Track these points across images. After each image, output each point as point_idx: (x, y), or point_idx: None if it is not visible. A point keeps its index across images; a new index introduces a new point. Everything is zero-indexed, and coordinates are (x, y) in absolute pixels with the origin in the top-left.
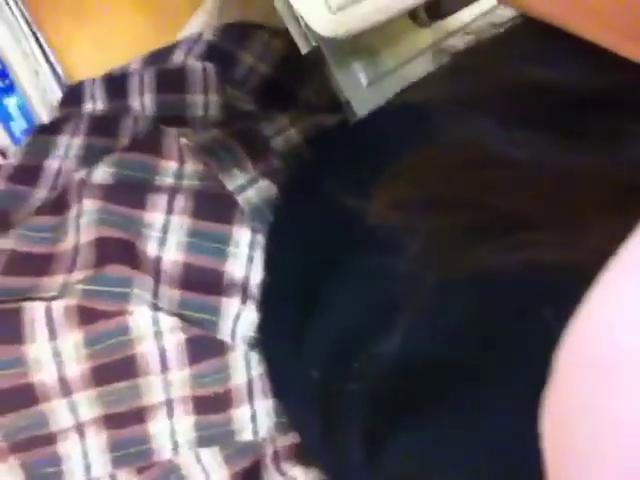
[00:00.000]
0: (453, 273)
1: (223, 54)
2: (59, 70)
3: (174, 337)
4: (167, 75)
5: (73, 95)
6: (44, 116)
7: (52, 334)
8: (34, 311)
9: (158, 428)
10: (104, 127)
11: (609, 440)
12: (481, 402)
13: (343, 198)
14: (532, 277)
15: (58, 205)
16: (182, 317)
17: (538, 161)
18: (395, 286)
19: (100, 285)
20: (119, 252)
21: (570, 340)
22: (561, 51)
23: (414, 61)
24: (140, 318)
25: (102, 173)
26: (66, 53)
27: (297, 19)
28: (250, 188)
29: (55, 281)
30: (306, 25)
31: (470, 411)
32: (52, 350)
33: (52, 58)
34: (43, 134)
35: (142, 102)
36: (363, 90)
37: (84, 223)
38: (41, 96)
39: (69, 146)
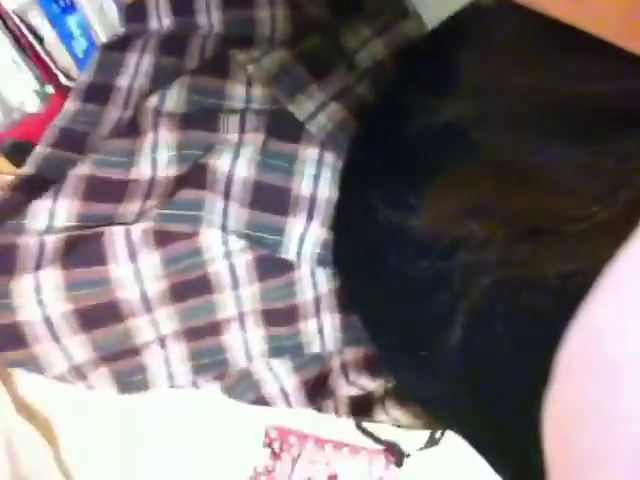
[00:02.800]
0: (499, 280)
1: None
2: None
3: (243, 257)
4: None
5: (137, 12)
6: (103, 35)
7: (132, 256)
8: (114, 235)
9: (232, 339)
10: (173, 46)
11: (613, 439)
12: None
13: (385, 210)
14: (569, 287)
15: (132, 128)
16: (249, 237)
17: (568, 172)
18: (444, 292)
19: (173, 209)
20: (192, 176)
21: (573, 340)
22: (592, 60)
23: None
24: (211, 240)
25: (175, 100)
26: None
27: None
28: (320, 113)
29: (133, 207)
30: None
31: None
32: (133, 270)
33: None
34: (111, 51)
35: (209, 19)
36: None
37: (161, 159)
38: (99, 15)
39: (138, 64)
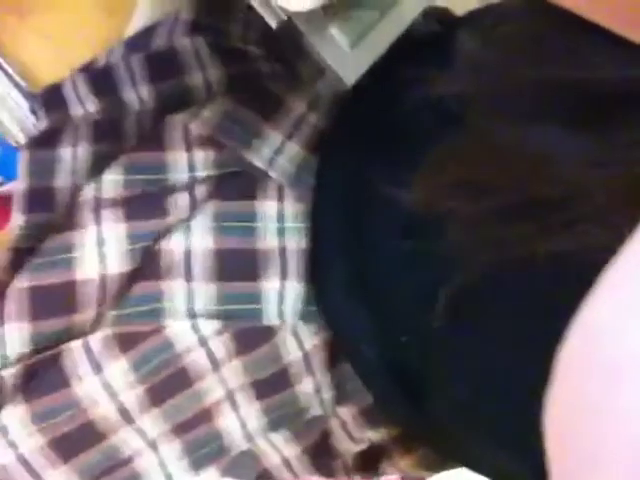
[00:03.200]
0: (502, 255)
1: (209, 28)
2: (17, 79)
3: (219, 338)
4: (157, 60)
5: (55, 100)
6: (19, 134)
7: (96, 368)
8: (73, 351)
9: (227, 422)
10: (107, 131)
11: (613, 439)
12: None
13: (379, 185)
14: (585, 262)
15: (68, 221)
16: (223, 314)
17: (565, 153)
18: (437, 269)
19: (130, 307)
20: (145, 266)
21: (573, 339)
22: (590, 48)
23: (396, 8)
24: (179, 331)
25: (112, 183)
26: (18, 55)
27: None
28: (280, 157)
29: (88, 314)
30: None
31: None
32: (101, 384)
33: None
34: (39, 150)
35: (138, 95)
36: (347, 55)
37: (111, 255)
38: (8, 111)
39: (75, 158)
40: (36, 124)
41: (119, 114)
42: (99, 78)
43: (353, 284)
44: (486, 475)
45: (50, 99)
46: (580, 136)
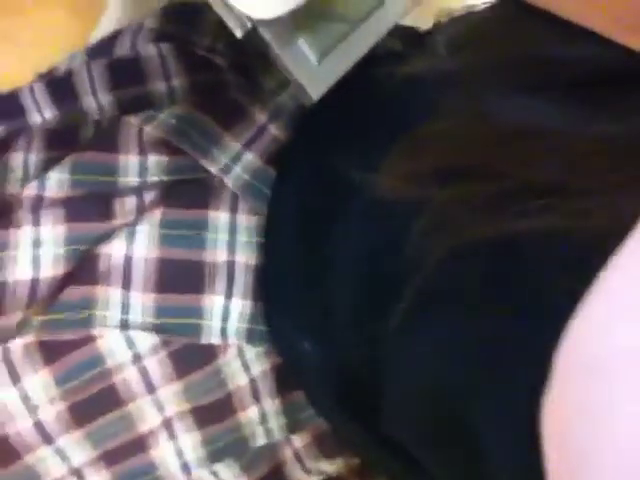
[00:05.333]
0: (469, 238)
1: (175, 37)
2: None
3: (155, 356)
4: (120, 67)
5: (11, 107)
6: None
7: (15, 379)
8: None
9: (162, 453)
10: (63, 138)
11: (610, 438)
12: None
13: (347, 170)
14: (544, 248)
15: (5, 221)
16: (160, 328)
17: (554, 131)
18: (403, 255)
19: (58, 313)
20: (80, 270)
21: (570, 341)
22: (573, 26)
23: (365, 22)
24: (112, 343)
25: (57, 182)
26: None
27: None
28: (236, 165)
29: (12, 319)
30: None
31: None
32: (19, 396)
33: None
34: None
35: (98, 102)
36: (314, 69)
37: (46, 258)
38: None
39: (27, 164)
40: None
41: (77, 122)
42: (59, 85)
43: (303, 306)
44: None
45: (7, 107)
46: (568, 111)
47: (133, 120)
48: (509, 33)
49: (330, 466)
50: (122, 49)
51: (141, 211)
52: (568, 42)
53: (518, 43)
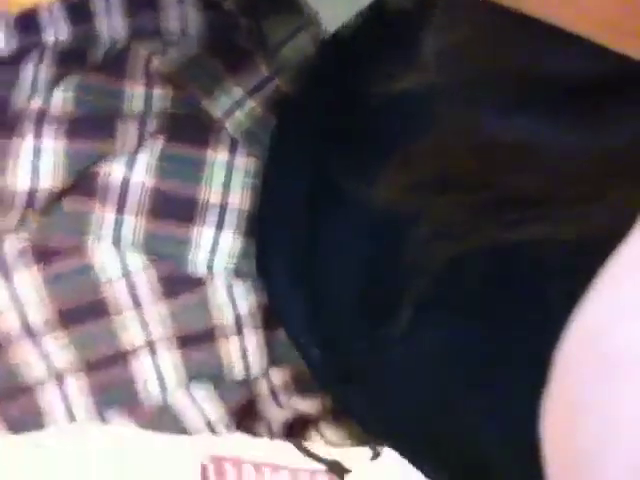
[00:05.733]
0: (466, 247)
1: None
2: None
3: (144, 275)
4: None
5: (30, 24)
6: None
7: (6, 275)
8: None
9: (142, 367)
10: (73, 57)
11: (612, 438)
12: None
13: (343, 181)
14: (544, 251)
15: (5, 127)
16: (150, 251)
17: (541, 144)
18: (401, 267)
19: (55, 219)
20: (79, 184)
21: (571, 338)
22: (561, 39)
23: None
24: (103, 256)
25: (62, 100)
26: None
27: None
28: (238, 110)
29: (8, 221)
30: None
31: None
32: (8, 293)
33: None
34: (3, 65)
35: (111, 25)
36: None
37: (45, 169)
38: None
39: (36, 77)
40: (6, 45)
41: (89, 44)
42: (76, 7)
43: (299, 275)
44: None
45: (25, 21)
46: (559, 127)
47: (142, 50)
48: (500, 45)
49: (302, 403)
50: None
51: (142, 140)
52: (562, 52)
53: (509, 55)
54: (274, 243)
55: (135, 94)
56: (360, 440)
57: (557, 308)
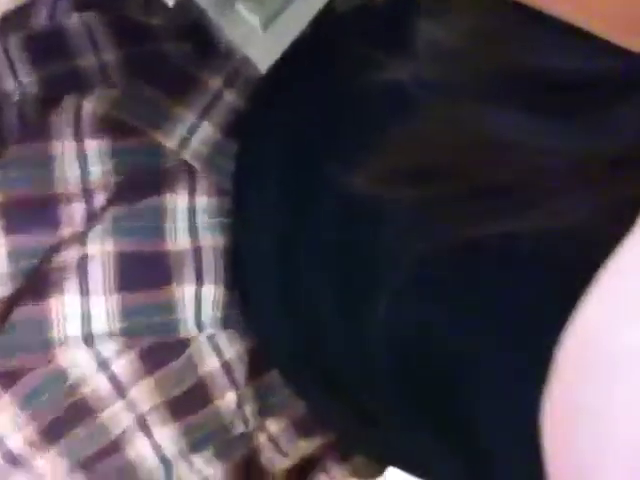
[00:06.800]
0: (437, 243)
1: (99, 5)
2: None
3: (122, 359)
4: (41, 41)
5: None
6: None
7: None
8: None
9: (139, 451)
10: None
11: (612, 438)
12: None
13: (320, 162)
14: (514, 245)
15: None
16: (130, 331)
17: (522, 140)
18: (378, 256)
19: (11, 338)
20: (30, 287)
21: (571, 339)
22: (551, 37)
23: None
24: (73, 359)
25: None
26: None
27: None
28: (194, 137)
29: None
30: None
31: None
32: None
33: None
34: None
35: (19, 82)
36: (259, 37)
37: None
38: None
39: None
40: None
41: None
42: None
43: (284, 293)
44: None
45: None
46: (537, 123)
47: (67, 100)
48: (496, 39)
49: (307, 444)
50: (41, 20)
51: (91, 218)
52: (562, 48)
53: (506, 51)
54: (259, 271)
55: (66, 155)
56: (369, 474)
57: (557, 307)
